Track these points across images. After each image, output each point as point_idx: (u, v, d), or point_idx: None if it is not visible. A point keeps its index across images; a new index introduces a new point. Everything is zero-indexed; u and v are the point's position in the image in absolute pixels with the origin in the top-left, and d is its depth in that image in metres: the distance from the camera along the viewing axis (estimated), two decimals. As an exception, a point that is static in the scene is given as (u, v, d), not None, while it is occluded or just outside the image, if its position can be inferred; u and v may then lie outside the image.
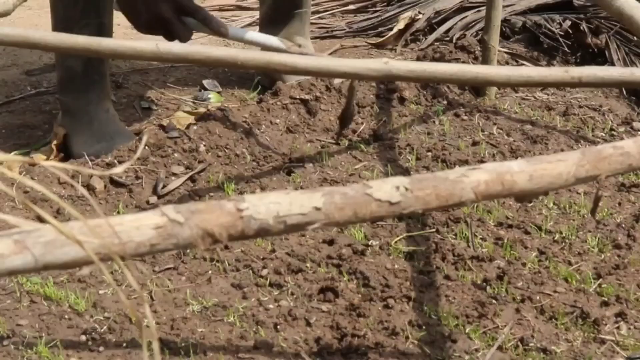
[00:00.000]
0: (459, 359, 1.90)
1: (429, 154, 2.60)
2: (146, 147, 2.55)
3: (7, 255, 0.93)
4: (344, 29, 3.56)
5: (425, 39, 3.32)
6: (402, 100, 2.82)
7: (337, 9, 3.80)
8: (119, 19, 2.81)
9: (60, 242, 0.95)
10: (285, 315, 2.00)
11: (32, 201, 2.33)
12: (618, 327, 2.00)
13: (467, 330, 1.97)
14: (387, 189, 1.14)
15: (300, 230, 1.10)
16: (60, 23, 2.66)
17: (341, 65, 1.82)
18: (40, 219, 0.94)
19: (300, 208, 1.08)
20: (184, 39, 2.52)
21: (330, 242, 2.24)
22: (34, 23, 3.67)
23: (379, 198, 1.12)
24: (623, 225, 2.33)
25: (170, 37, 2.53)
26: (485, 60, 2.87)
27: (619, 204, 2.44)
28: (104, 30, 2.67)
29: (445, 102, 2.84)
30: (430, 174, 1.19)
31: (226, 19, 3.74)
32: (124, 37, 3.53)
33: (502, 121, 2.76)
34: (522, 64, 3.11)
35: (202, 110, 2.85)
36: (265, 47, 2.62)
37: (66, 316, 2.03)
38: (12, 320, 2.02)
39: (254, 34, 2.71)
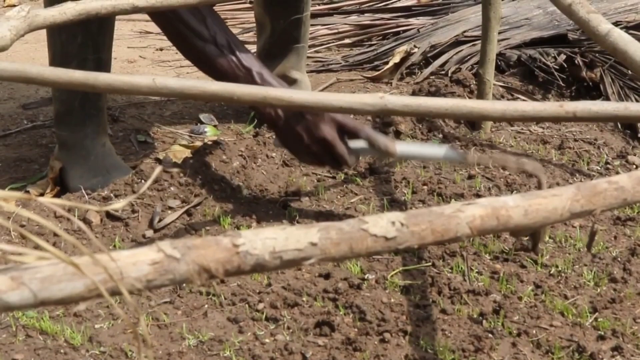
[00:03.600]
0: (455, 394, 1.90)
1: (425, 187, 2.60)
2: (142, 181, 2.56)
3: (4, 291, 0.93)
4: (340, 63, 3.58)
5: (421, 72, 3.34)
6: (397, 133, 2.83)
7: (333, 42, 3.82)
8: (116, 53, 2.82)
9: (56, 278, 0.95)
10: (281, 349, 2.00)
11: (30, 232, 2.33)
12: (614, 361, 2.00)
13: (463, 365, 1.97)
14: (383, 224, 1.14)
15: (296, 265, 1.10)
16: (58, 58, 2.67)
17: (336, 100, 1.83)
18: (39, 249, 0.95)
19: (296, 243, 1.08)
20: (351, 163, 2.41)
21: (327, 276, 2.24)
22: (31, 57, 3.69)
23: (374, 233, 1.13)
24: (619, 259, 2.33)
25: (336, 165, 2.42)
26: (481, 94, 2.88)
27: (615, 237, 2.44)
28: (102, 65, 2.68)
29: (441, 135, 2.86)
30: (426, 209, 1.20)
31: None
32: (121, 71, 3.55)
33: (498, 155, 2.77)
34: (517, 98, 3.13)
35: (198, 143, 2.86)
36: (440, 159, 2.53)
37: (62, 350, 2.02)
38: (7, 354, 2.02)
39: (424, 147, 2.57)
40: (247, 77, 2.41)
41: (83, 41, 2.64)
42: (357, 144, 2.37)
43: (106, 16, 2.10)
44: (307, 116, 2.36)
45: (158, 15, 2.43)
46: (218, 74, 2.46)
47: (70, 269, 0.94)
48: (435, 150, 2.45)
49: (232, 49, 2.42)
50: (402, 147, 2.38)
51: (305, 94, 1.92)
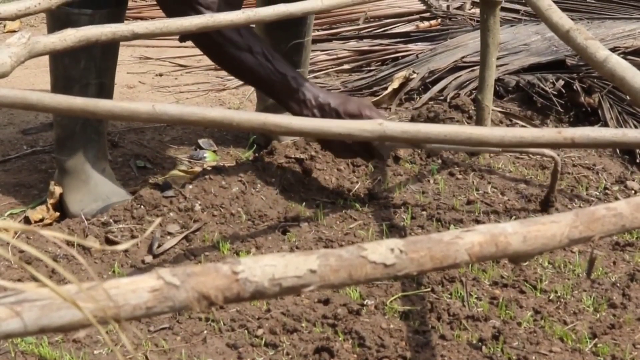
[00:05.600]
0: (454, 420, 1.90)
1: (424, 213, 2.60)
2: (141, 206, 2.56)
3: (3, 319, 0.93)
4: (339, 88, 3.58)
5: (420, 98, 3.35)
6: (396, 159, 2.84)
7: (332, 68, 3.83)
8: (115, 78, 2.83)
9: (56, 306, 0.95)
10: (280, 375, 2.00)
11: (28, 260, 2.33)
12: (614, 387, 1.99)
13: (462, 391, 1.96)
14: (382, 251, 1.14)
15: (295, 292, 1.10)
16: (61, 82, 2.68)
17: (336, 126, 1.84)
18: (36, 279, 0.95)
19: (295, 270, 1.08)
20: (385, 156, 2.64)
21: (326, 302, 2.24)
22: (31, 82, 3.70)
23: (373, 260, 1.13)
24: (618, 285, 2.33)
25: (370, 158, 2.65)
26: (479, 120, 2.89)
27: (614, 263, 2.44)
28: (105, 90, 2.70)
29: (439, 161, 2.86)
30: (425, 235, 1.20)
31: (222, 77, 3.77)
32: (120, 96, 3.56)
33: (497, 180, 2.77)
34: (516, 123, 3.13)
35: (197, 169, 2.86)
36: None
37: (60, 377, 2.02)
38: (6, 381, 2.01)
39: None
40: (283, 82, 2.57)
41: (86, 66, 2.65)
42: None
43: (106, 43, 2.11)
44: (346, 118, 2.52)
45: None
46: (254, 81, 2.62)
47: (72, 294, 0.94)
48: None
49: (266, 56, 2.56)
50: None
51: (304, 120, 1.93)
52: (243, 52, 2.53)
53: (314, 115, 2.56)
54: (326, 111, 2.57)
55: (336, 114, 2.56)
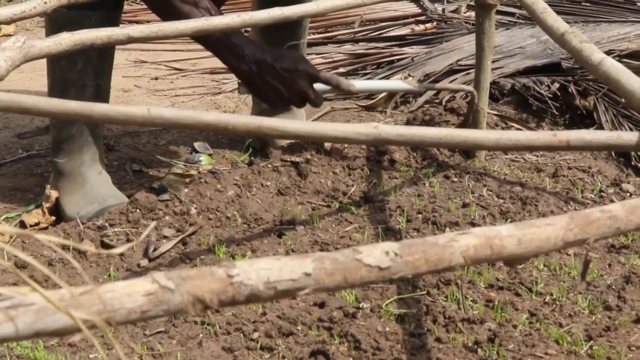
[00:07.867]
0: (450, 423, 1.90)
1: (420, 216, 2.60)
2: (137, 210, 2.56)
3: (-2, 322, 0.93)
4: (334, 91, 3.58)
5: (415, 101, 3.35)
6: (392, 162, 2.84)
7: (327, 71, 3.83)
8: (112, 82, 2.83)
9: (51, 310, 0.95)
10: (276, 379, 2.00)
11: (23, 265, 2.33)
12: (610, 390, 1.99)
13: (458, 394, 1.96)
14: (377, 254, 1.14)
15: (290, 296, 1.10)
16: (58, 84, 2.69)
17: (331, 130, 1.84)
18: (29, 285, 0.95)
19: (290, 274, 1.08)
20: (320, 104, 2.69)
21: (321, 305, 2.24)
22: (26, 86, 3.70)
23: (368, 263, 1.13)
24: (613, 287, 2.33)
25: (303, 105, 2.70)
26: (475, 123, 2.89)
27: (609, 265, 2.44)
28: (101, 92, 2.70)
29: (435, 164, 2.86)
30: (420, 238, 1.20)
31: (217, 81, 3.78)
32: (116, 100, 3.56)
33: (492, 183, 2.78)
34: (511, 126, 3.14)
35: (193, 172, 2.86)
36: (392, 91, 3.18)
37: (56, 381, 2.02)
38: (1, 385, 2.01)
39: (377, 82, 3.20)
40: (225, 37, 2.59)
41: (83, 68, 2.66)
42: (321, 86, 2.66)
43: (101, 47, 2.11)
44: (283, 73, 2.61)
45: None
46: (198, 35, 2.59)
47: (66, 301, 0.94)
48: (388, 83, 3.13)
49: (210, 12, 2.58)
50: (359, 85, 2.79)
51: (299, 123, 1.93)
52: (187, 5, 2.57)
53: (251, 70, 2.61)
54: (263, 66, 2.62)
55: (273, 69, 2.61)
